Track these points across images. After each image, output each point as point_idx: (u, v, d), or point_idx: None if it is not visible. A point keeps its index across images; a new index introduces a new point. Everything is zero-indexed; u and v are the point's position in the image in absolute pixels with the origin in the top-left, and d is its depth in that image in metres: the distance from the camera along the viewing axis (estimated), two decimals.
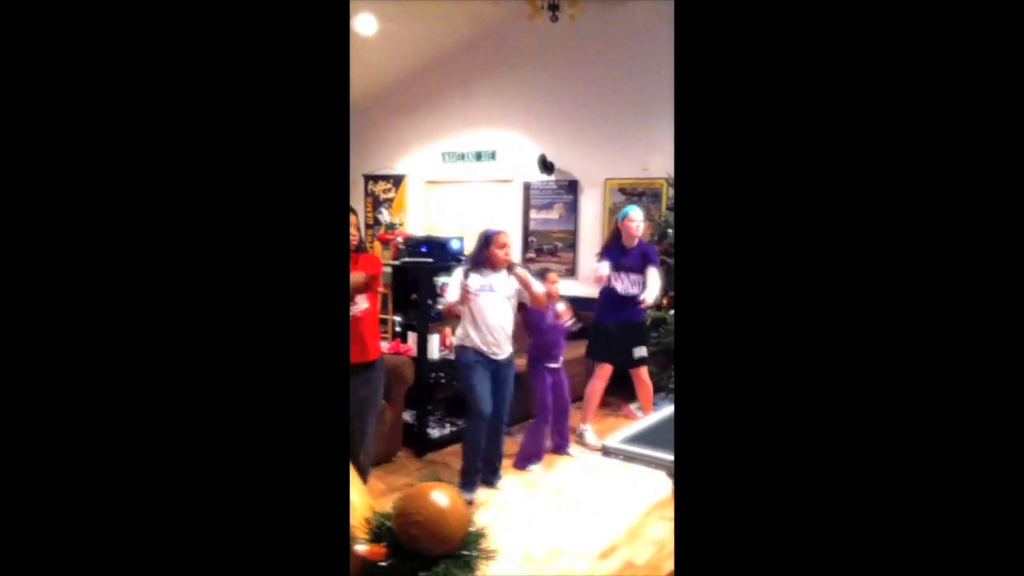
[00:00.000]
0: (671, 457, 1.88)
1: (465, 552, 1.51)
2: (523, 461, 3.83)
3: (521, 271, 3.44)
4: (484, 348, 3.39)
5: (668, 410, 2.46)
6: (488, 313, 3.38)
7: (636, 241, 4.23)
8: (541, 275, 3.99)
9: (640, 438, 2.06)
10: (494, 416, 3.46)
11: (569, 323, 3.92)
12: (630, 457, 1.92)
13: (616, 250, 4.24)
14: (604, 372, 4.31)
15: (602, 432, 4.45)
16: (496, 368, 3.43)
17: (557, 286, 3.92)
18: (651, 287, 4.15)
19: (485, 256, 3.40)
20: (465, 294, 3.27)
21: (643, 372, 4.37)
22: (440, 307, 3.51)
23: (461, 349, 3.44)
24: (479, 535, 1.55)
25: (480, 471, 3.45)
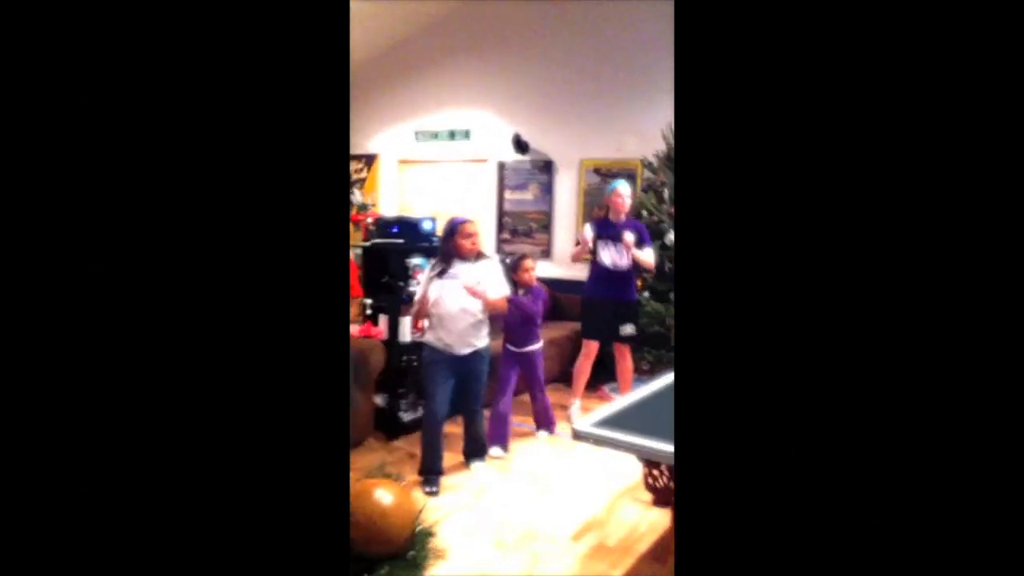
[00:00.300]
0: (642, 441, 1.85)
1: (412, 552, 1.45)
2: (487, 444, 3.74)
3: (471, 284, 3.26)
4: (442, 345, 3.29)
5: (639, 393, 2.43)
6: (448, 305, 3.26)
7: (623, 216, 4.18)
8: (513, 266, 3.89)
9: (611, 422, 2.02)
10: (465, 409, 3.42)
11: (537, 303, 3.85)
12: (600, 441, 1.88)
13: (603, 222, 4.19)
14: (590, 349, 4.28)
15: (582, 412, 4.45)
16: (460, 363, 3.31)
17: (532, 274, 3.85)
18: (647, 251, 4.13)
19: (452, 247, 3.30)
20: (423, 305, 3.23)
21: (627, 352, 4.35)
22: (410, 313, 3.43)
23: (424, 345, 3.37)
24: (427, 534, 1.49)
25: (438, 471, 3.35)
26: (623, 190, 4.16)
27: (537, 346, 3.91)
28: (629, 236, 4.03)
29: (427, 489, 3.26)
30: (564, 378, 5.17)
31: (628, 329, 4.28)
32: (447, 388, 3.31)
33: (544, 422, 4.07)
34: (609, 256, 4.14)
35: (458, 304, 3.28)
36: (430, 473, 3.32)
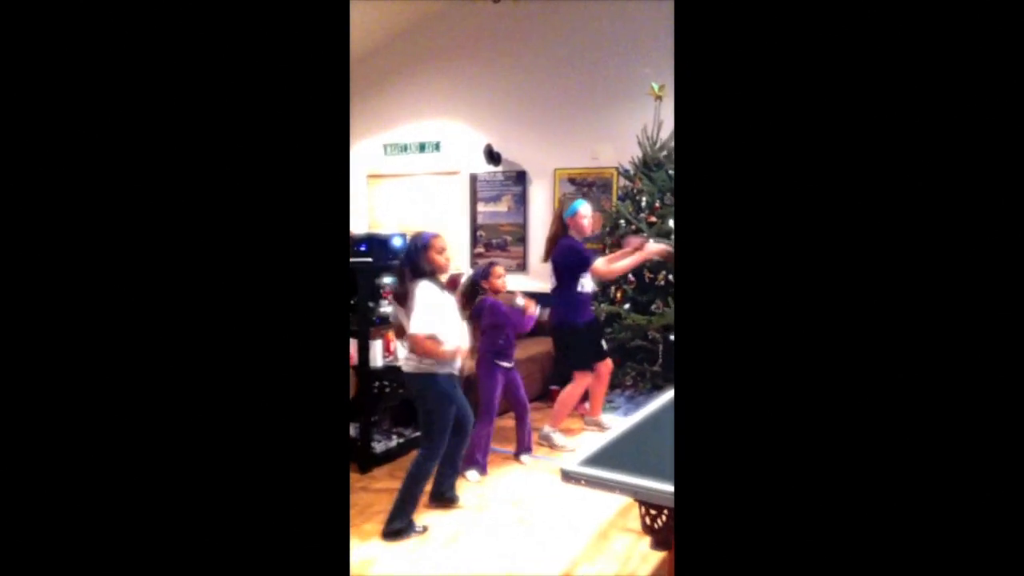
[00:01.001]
0: (639, 481, 1.66)
1: None
2: (463, 467, 3.50)
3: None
4: (449, 370, 3.02)
5: (630, 420, 2.24)
6: (450, 328, 3.01)
7: (589, 234, 4.04)
8: (484, 273, 3.70)
9: (602, 459, 1.83)
10: (464, 425, 3.17)
11: (535, 312, 3.66)
12: (593, 483, 1.69)
13: (578, 245, 4.01)
14: (585, 380, 4.08)
15: (563, 432, 4.26)
16: (456, 385, 3.09)
17: (503, 280, 3.67)
18: (605, 265, 4.04)
19: (426, 263, 2.97)
20: (439, 345, 2.88)
21: (607, 365, 4.22)
22: (417, 329, 2.88)
23: (431, 379, 2.95)
24: None
25: (411, 520, 3.01)
26: (585, 211, 4.00)
27: (514, 361, 3.74)
28: (652, 245, 4.01)
29: (415, 531, 2.99)
30: (544, 396, 4.99)
31: (605, 345, 4.15)
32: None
33: (528, 444, 3.88)
34: (590, 284, 4.03)
35: (458, 332, 3.05)
36: (408, 527, 3.00)
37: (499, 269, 3.71)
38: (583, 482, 1.72)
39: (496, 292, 3.65)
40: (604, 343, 4.20)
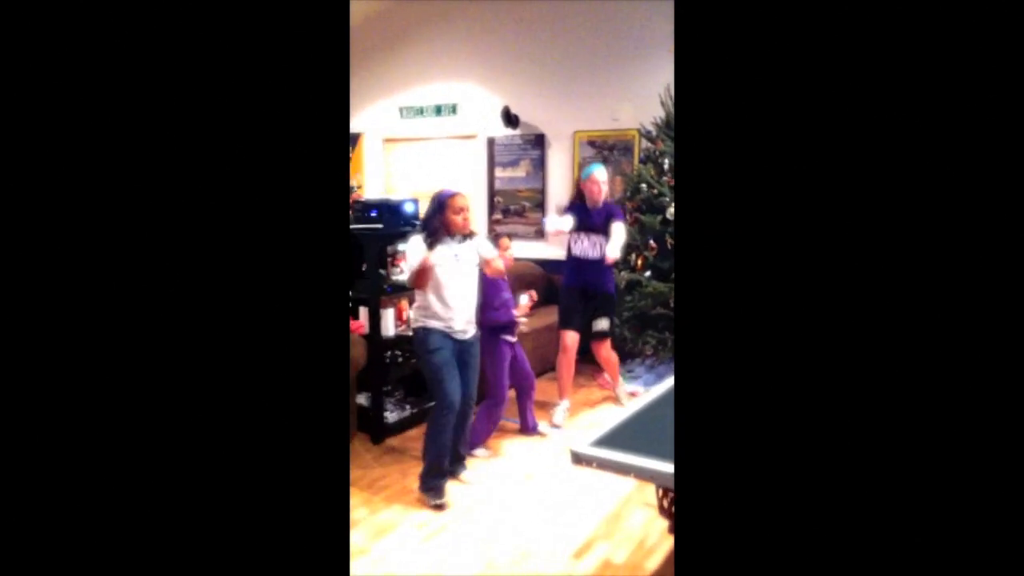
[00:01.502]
0: (654, 465, 1.54)
1: None
2: (469, 447, 3.40)
3: (475, 261, 3.02)
4: (449, 329, 2.95)
5: (643, 399, 2.11)
6: (453, 287, 2.94)
7: (600, 203, 3.86)
8: (495, 240, 3.59)
9: (615, 440, 1.71)
10: (462, 404, 3.08)
11: (523, 317, 3.50)
12: (605, 465, 1.58)
13: (579, 210, 3.87)
14: (564, 341, 3.96)
15: (576, 407, 4.15)
16: (461, 350, 3.01)
17: (511, 252, 3.52)
18: (613, 241, 3.71)
19: (441, 223, 2.94)
20: (426, 268, 2.81)
21: (604, 347, 4.05)
22: (402, 278, 3.02)
23: (424, 331, 2.96)
24: None
25: (447, 471, 3.04)
26: (599, 176, 3.84)
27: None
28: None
29: (434, 502, 2.95)
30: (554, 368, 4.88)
31: (602, 324, 3.99)
32: (456, 374, 2.97)
33: (534, 423, 3.77)
34: (580, 247, 3.88)
35: (462, 285, 2.98)
36: (440, 478, 2.99)
37: (505, 241, 3.61)
38: (595, 464, 1.60)
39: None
40: (601, 322, 3.95)
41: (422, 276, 2.85)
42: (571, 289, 3.94)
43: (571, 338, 3.95)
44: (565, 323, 3.98)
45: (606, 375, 4.54)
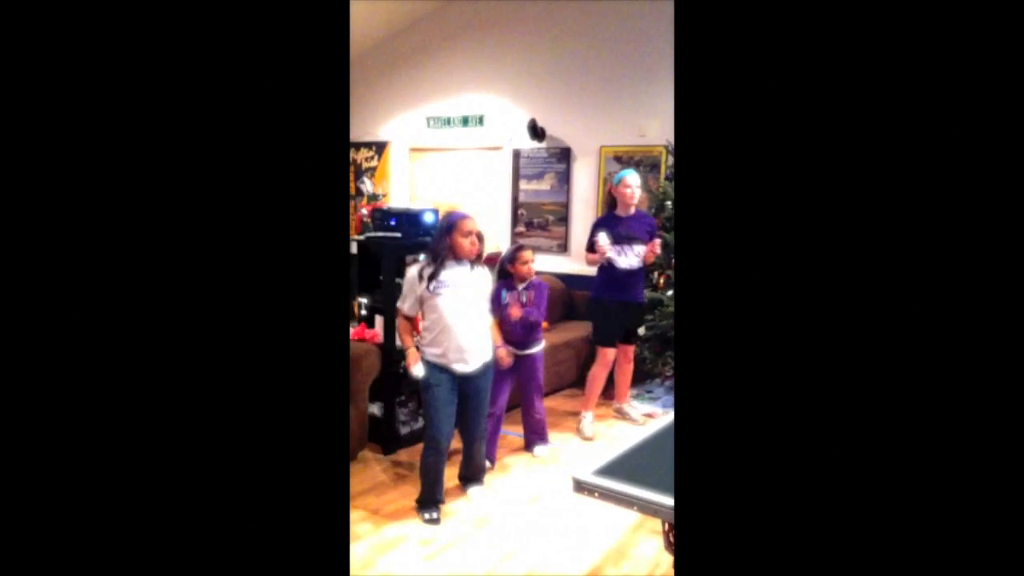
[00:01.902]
0: (660, 498, 1.47)
1: None
2: (527, 444, 3.44)
3: (475, 294, 2.92)
4: (446, 362, 2.82)
5: (654, 426, 2.04)
6: (451, 317, 2.79)
7: (633, 209, 3.80)
8: (510, 258, 3.50)
9: (620, 469, 1.64)
10: (467, 431, 3.02)
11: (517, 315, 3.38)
12: (609, 496, 1.51)
13: (611, 221, 3.80)
14: (607, 357, 3.91)
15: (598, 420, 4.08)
16: (464, 382, 2.88)
17: (531, 266, 3.46)
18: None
19: (448, 246, 2.82)
20: (408, 327, 2.85)
21: (630, 351, 4.03)
22: (403, 308, 2.95)
23: (422, 360, 2.87)
24: None
25: (439, 500, 2.98)
26: (631, 180, 3.77)
27: (539, 348, 3.52)
28: (603, 240, 3.75)
29: (427, 516, 2.91)
30: (581, 382, 4.79)
31: (640, 330, 4.00)
32: (451, 412, 2.87)
33: (540, 435, 3.66)
34: (623, 257, 3.79)
35: (468, 315, 2.84)
36: (431, 504, 2.95)
37: (527, 254, 3.47)
38: (597, 494, 1.54)
39: (523, 279, 3.45)
40: (641, 330, 3.98)
41: (405, 331, 2.87)
42: (611, 303, 3.82)
43: (612, 354, 3.91)
44: (606, 339, 3.88)
45: (617, 386, 4.46)
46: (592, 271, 3.97)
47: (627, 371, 4.11)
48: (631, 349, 4.06)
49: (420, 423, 3.80)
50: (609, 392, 4.42)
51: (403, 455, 3.62)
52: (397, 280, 3.62)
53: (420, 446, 3.67)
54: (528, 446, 3.67)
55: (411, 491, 3.17)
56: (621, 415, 4.24)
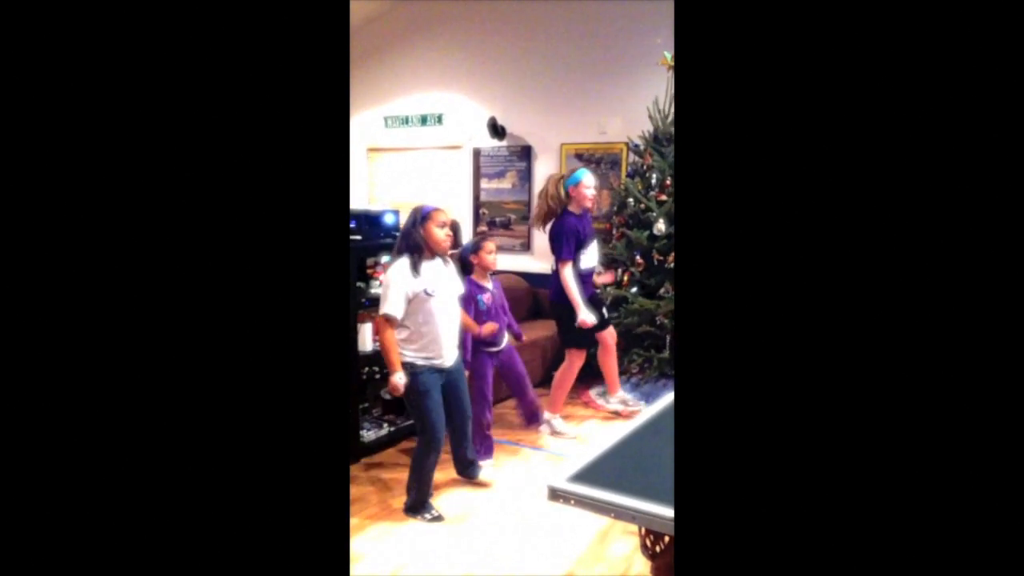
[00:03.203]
0: (638, 504, 1.44)
1: None
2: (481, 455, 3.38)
3: (453, 293, 2.89)
4: (431, 363, 2.79)
5: (628, 426, 2.01)
6: (439, 319, 2.75)
7: (590, 208, 3.79)
8: (473, 248, 3.44)
9: (595, 475, 1.60)
10: (456, 421, 2.98)
11: (489, 331, 3.35)
12: (584, 503, 1.47)
13: (577, 223, 3.73)
14: (579, 360, 3.87)
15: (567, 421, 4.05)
16: (448, 375, 2.86)
17: (494, 257, 3.41)
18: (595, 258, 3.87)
19: (422, 238, 2.74)
20: (390, 337, 2.71)
21: (609, 336, 3.97)
22: (386, 310, 2.73)
23: (411, 370, 2.75)
24: None
25: (427, 500, 2.94)
26: (589, 181, 3.74)
27: (508, 339, 3.51)
28: (604, 276, 3.98)
29: (430, 516, 2.88)
30: (547, 382, 4.76)
31: (606, 314, 3.97)
32: (443, 409, 2.85)
33: (536, 418, 3.64)
34: (587, 259, 3.78)
35: (451, 314, 2.82)
36: (427, 505, 2.92)
37: (490, 244, 3.41)
38: (573, 502, 1.50)
39: (486, 270, 3.40)
40: (604, 312, 3.95)
41: (393, 354, 2.71)
42: (586, 302, 3.74)
43: (583, 356, 3.88)
44: (580, 341, 3.83)
45: (592, 392, 4.45)
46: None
47: (611, 360, 4.03)
48: (611, 332, 3.98)
49: (385, 430, 3.72)
50: (580, 391, 4.40)
51: (369, 462, 3.54)
52: (358, 284, 3.55)
53: (388, 452, 3.62)
54: (530, 423, 3.66)
55: (377, 500, 3.11)
56: (623, 404, 4.17)
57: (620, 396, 4.22)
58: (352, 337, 3.48)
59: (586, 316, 3.63)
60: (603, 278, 4.06)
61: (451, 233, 2.85)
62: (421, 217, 2.76)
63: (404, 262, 2.73)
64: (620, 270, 4.51)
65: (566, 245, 3.66)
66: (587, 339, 3.87)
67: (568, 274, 3.66)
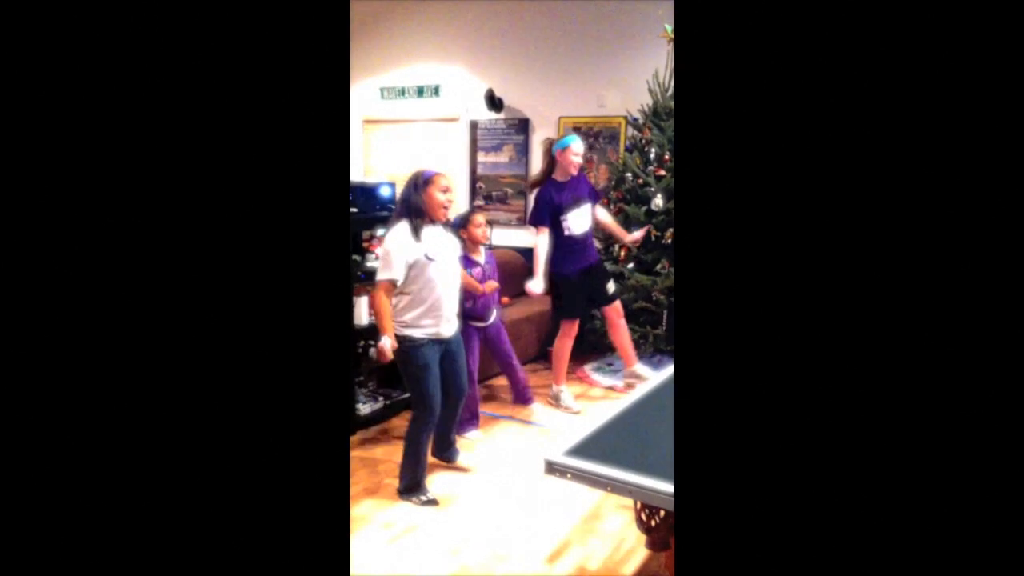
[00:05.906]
0: (636, 479, 1.43)
1: None
2: (459, 427, 3.32)
3: (455, 259, 2.83)
4: (437, 332, 2.73)
5: (625, 401, 2.00)
6: (439, 285, 2.68)
7: (573, 173, 3.71)
8: (463, 221, 3.40)
9: (592, 449, 1.59)
10: (452, 394, 2.92)
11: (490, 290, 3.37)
12: (581, 477, 1.47)
13: (555, 188, 3.68)
14: (571, 329, 3.87)
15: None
16: (446, 348, 2.81)
17: (484, 230, 3.39)
18: (613, 222, 3.90)
19: (423, 203, 2.66)
20: (383, 351, 2.65)
21: (615, 311, 3.90)
22: (382, 275, 2.67)
23: (410, 344, 2.69)
24: None
25: (422, 482, 2.88)
26: (578, 148, 3.67)
27: (497, 314, 3.50)
28: (636, 234, 3.97)
29: (425, 499, 2.84)
30: (542, 356, 4.76)
31: (613, 287, 3.92)
32: (439, 381, 2.80)
33: (525, 396, 3.67)
34: (574, 223, 3.70)
35: (452, 283, 2.77)
36: (421, 487, 2.87)
37: (479, 218, 3.38)
38: (569, 475, 1.49)
39: (476, 243, 3.38)
40: (610, 286, 3.90)
41: (387, 321, 2.65)
42: (572, 275, 3.73)
43: (576, 327, 3.89)
44: (570, 312, 3.83)
45: (587, 368, 4.45)
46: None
47: (622, 334, 3.96)
48: (615, 308, 3.91)
49: (380, 403, 3.72)
50: (573, 368, 4.40)
51: (364, 435, 3.54)
52: (354, 258, 3.52)
53: (384, 427, 3.62)
54: (521, 399, 3.69)
55: (371, 473, 3.11)
56: (636, 378, 4.06)
57: (637, 369, 4.06)
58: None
59: (534, 285, 3.63)
60: (634, 237, 3.99)
61: (451, 199, 2.81)
62: (423, 181, 2.70)
63: (404, 226, 2.66)
64: (617, 246, 4.47)
65: (535, 212, 3.73)
66: (577, 310, 3.86)
67: (541, 240, 3.69)
